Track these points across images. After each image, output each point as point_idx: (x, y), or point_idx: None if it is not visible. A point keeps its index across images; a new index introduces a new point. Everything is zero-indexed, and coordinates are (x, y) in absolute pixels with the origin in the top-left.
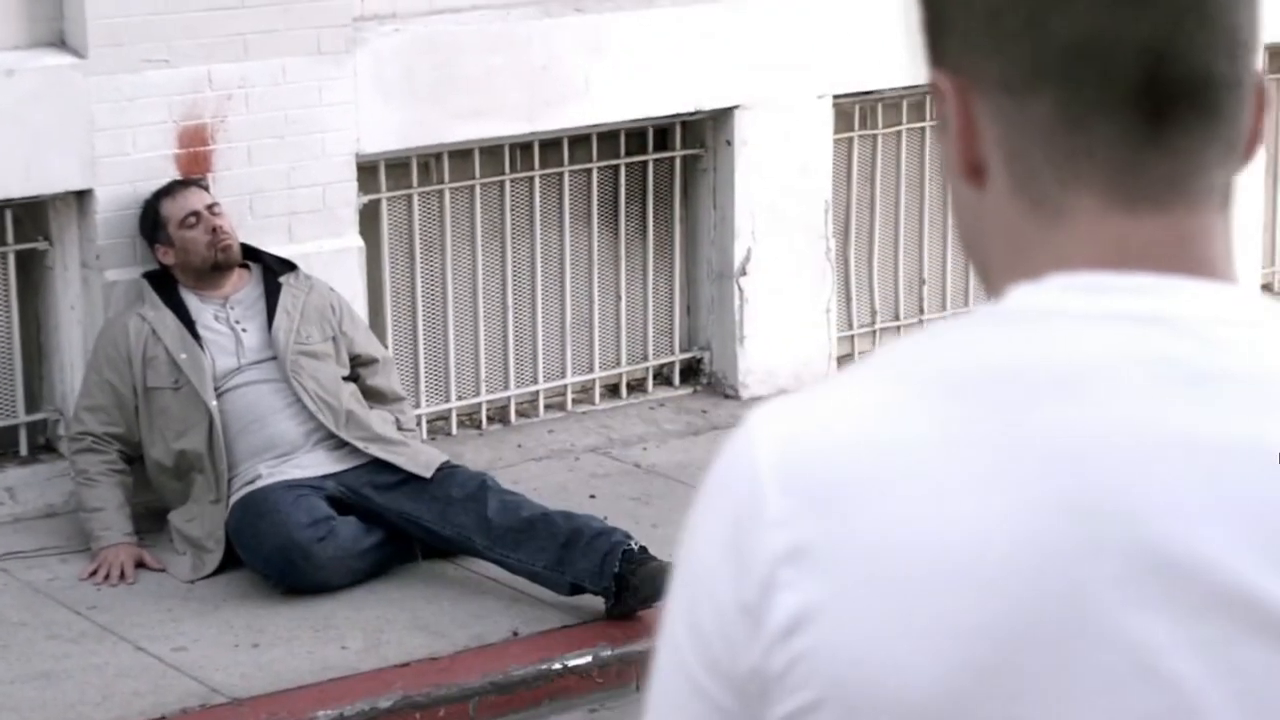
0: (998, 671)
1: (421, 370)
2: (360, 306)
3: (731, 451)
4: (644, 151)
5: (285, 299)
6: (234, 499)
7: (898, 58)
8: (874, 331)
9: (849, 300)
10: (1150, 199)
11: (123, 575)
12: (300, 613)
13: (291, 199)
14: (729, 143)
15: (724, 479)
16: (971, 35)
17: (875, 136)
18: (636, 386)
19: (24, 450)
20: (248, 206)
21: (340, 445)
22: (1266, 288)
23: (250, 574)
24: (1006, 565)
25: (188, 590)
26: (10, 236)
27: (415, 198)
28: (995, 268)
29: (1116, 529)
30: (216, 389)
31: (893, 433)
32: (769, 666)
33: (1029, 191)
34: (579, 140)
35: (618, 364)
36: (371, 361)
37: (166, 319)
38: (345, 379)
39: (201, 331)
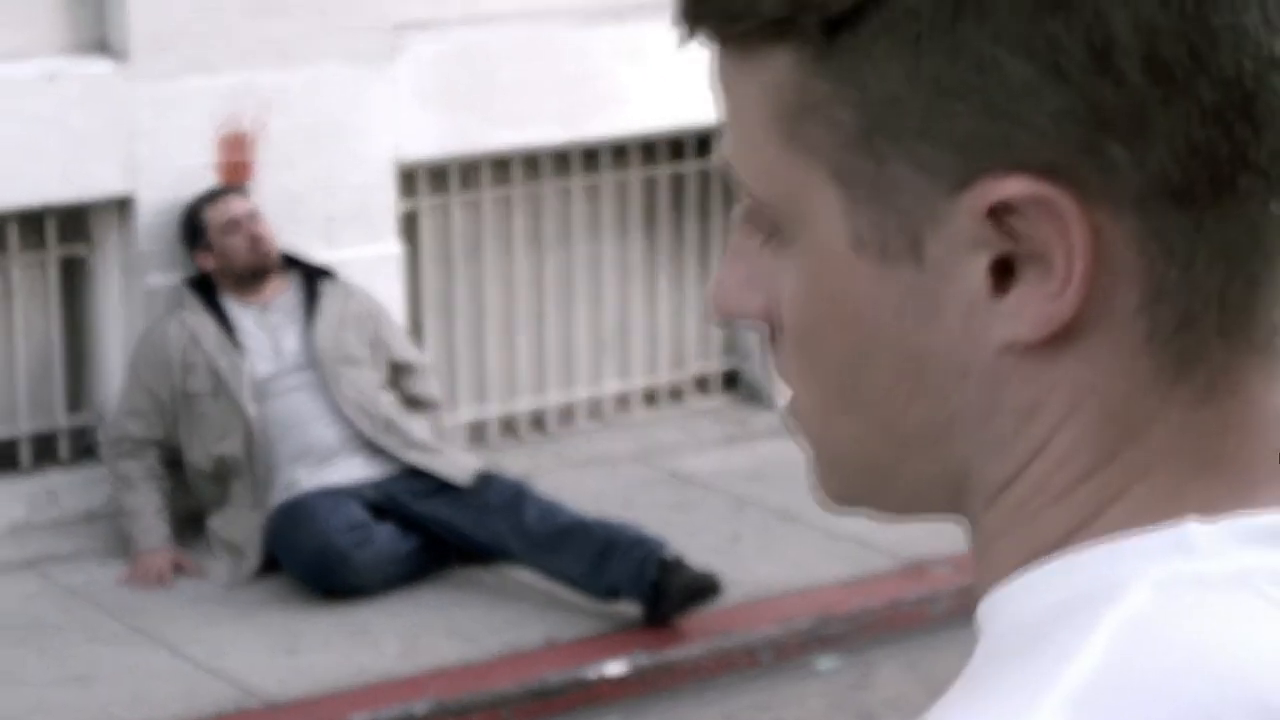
0: None
1: (460, 378)
2: (399, 313)
3: None
4: (682, 159)
5: (324, 306)
6: (272, 504)
7: None
8: None
9: None
10: None
11: (160, 579)
12: (336, 618)
13: (331, 205)
14: None
15: None
16: (1106, 114)
17: None
18: (675, 395)
19: (65, 454)
20: (288, 213)
21: (378, 452)
22: None
23: (287, 579)
24: None
25: (225, 595)
26: (52, 242)
27: (454, 205)
28: (1052, 458)
29: None
30: (255, 395)
31: None
32: None
33: (1170, 349)
34: (617, 148)
35: (656, 372)
36: (409, 368)
37: (206, 325)
38: (383, 386)
39: (241, 337)
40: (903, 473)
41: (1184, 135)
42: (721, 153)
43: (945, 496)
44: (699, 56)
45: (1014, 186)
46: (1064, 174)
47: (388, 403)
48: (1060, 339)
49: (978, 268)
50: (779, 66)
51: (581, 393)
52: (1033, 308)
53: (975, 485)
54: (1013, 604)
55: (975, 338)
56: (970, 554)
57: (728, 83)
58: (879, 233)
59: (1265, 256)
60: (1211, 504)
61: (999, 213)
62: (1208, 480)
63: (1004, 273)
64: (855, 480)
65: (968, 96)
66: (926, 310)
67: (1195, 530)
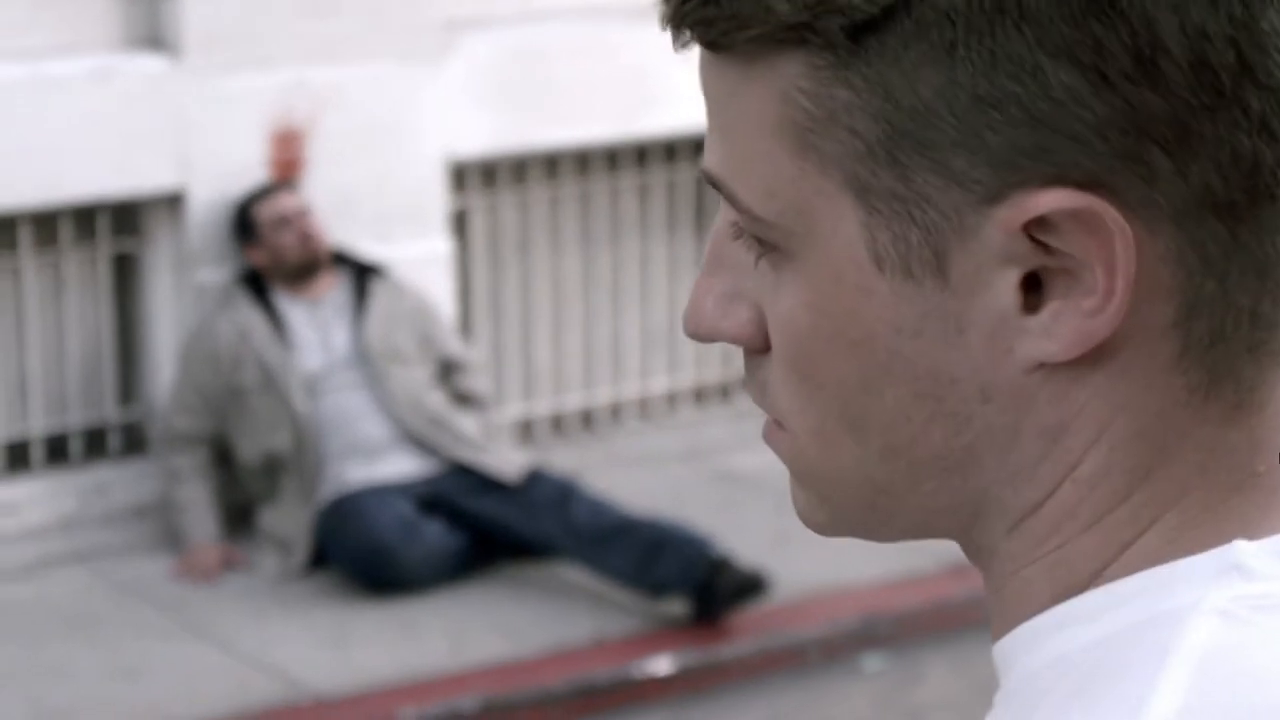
0: None
1: (509, 375)
2: (449, 310)
3: None
4: None
5: (374, 303)
6: (321, 500)
7: None
8: None
9: None
10: None
11: (209, 574)
12: (385, 613)
13: (383, 202)
14: None
15: None
16: (1150, 123)
17: None
18: (723, 393)
19: (115, 448)
20: (339, 209)
21: (427, 448)
22: None
23: (336, 574)
24: None
25: (274, 590)
26: (104, 237)
27: (505, 202)
28: (1082, 481)
29: None
30: (305, 391)
31: None
32: None
33: (1203, 365)
34: (668, 147)
35: (704, 370)
36: (459, 365)
37: (256, 320)
38: (432, 382)
39: (291, 333)
40: (911, 499)
41: (1229, 144)
42: (706, 166)
43: (956, 522)
44: None
45: (1055, 199)
46: (1105, 185)
47: (437, 399)
48: (1090, 357)
49: (1007, 284)
50: (791, 74)
51: (630, 390)
52: (1068, 325)
53: (995, 511)
54: (1055, 638)
55: (1000, 358)
56: (988, 583)
57: (722, 92)
58: (901, 247)
59: None
60: (1248, 525)
61: (1033, 226)
62: (1241, 500)
63: (1030, 289)
64: (851, 507)
65: (1006, 105)
66: (949, 329)
67: (1246, 551)
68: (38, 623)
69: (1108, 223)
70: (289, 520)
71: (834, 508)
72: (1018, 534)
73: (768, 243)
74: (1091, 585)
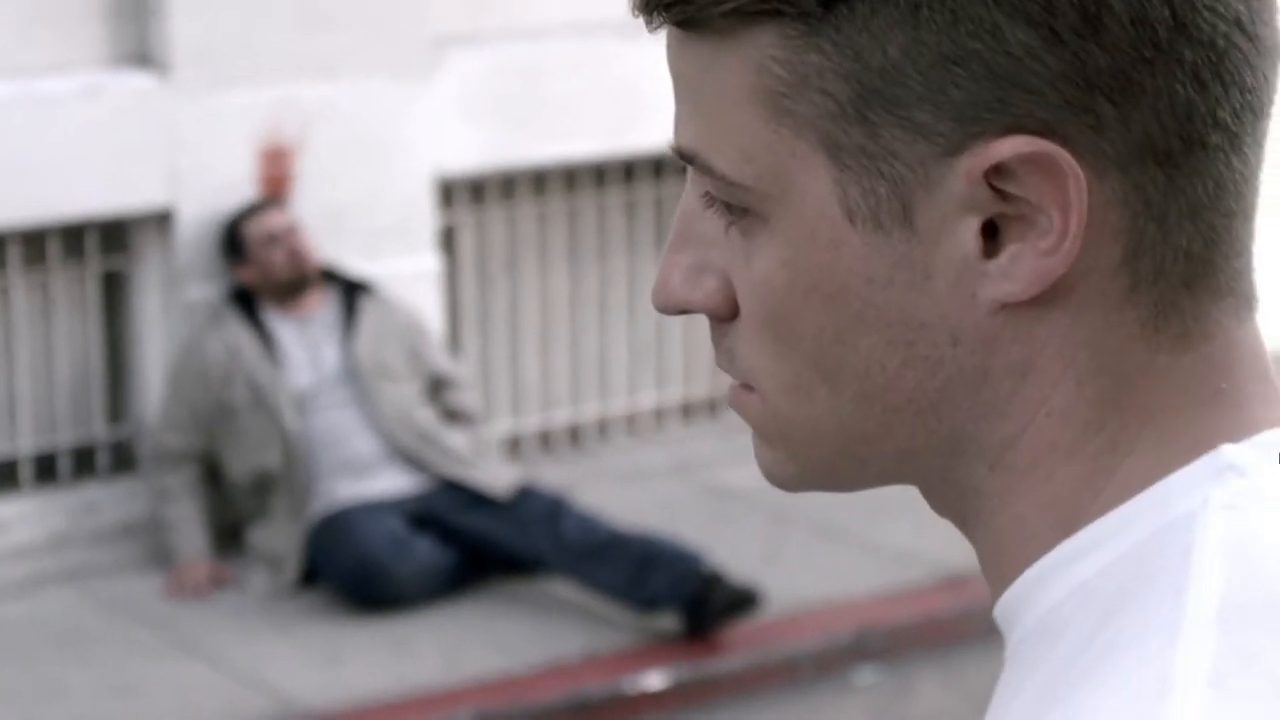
0: None
1: (497, 391)
2: (437, 326)
3: None
4: None
5: (363, 319)
6: (312, 517)
7: None
8: None
9: None
10: (1248, 299)
11: (199, 591)
12: (377, 630)
13: (372, 219)
14: None
15: None
16: (1096, 75)
17: None
18: (711, 408)
19: (104, 467)
20: (328, 226)
21: (417, 465)
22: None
23: (327, 591)
24: None
25: (265, 607)
26: (93, 255)
27: (494, 219)
28: (1055, 414)
29: None
30: (294, 408)
31: None
32: None
33: (1150, 300)
34: (655, 163)
35: (692, 385)
36: (448, 382)
37: (246, 338)
38: (421, 399)
39: (280, 351)
40: (888, 444)
41: (1166, 94)
42: (678, 143)
43: (932, 464)
44: None
45: (1014, 145)
46: (1058, 134)
47: (426, 416)
48: (1048, 297)
49: (969, 231)
50: (763, 44)
51: (618, 406)
52: (1025, 265)
53: (973, 449)
54: (1067, 572)
55: (965, 301)
56: (975, 531)
57: (695, 70)
58: (871, 201)
59: (1223, 212)
60: (1223, 433)
61: (993, 174)
62: (1210, 413)
63: (989, 237)
64: (824, 459)
65: (968, 62)
66: (917, 277)
67: (1234, 452)
68: (28, 642)
69: (1062, 166)
70: (279, 537)
71: (804, 461)
72: (1000, 469)
73: (740, 208)
74: (1090, 515)
